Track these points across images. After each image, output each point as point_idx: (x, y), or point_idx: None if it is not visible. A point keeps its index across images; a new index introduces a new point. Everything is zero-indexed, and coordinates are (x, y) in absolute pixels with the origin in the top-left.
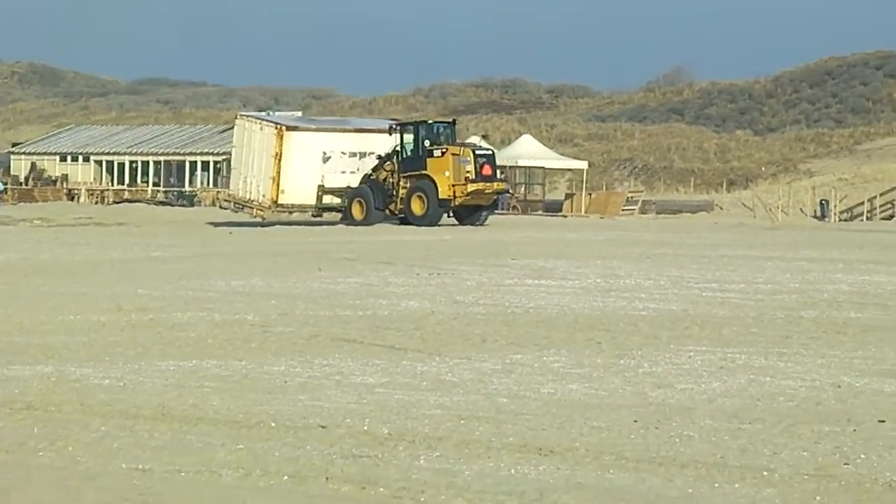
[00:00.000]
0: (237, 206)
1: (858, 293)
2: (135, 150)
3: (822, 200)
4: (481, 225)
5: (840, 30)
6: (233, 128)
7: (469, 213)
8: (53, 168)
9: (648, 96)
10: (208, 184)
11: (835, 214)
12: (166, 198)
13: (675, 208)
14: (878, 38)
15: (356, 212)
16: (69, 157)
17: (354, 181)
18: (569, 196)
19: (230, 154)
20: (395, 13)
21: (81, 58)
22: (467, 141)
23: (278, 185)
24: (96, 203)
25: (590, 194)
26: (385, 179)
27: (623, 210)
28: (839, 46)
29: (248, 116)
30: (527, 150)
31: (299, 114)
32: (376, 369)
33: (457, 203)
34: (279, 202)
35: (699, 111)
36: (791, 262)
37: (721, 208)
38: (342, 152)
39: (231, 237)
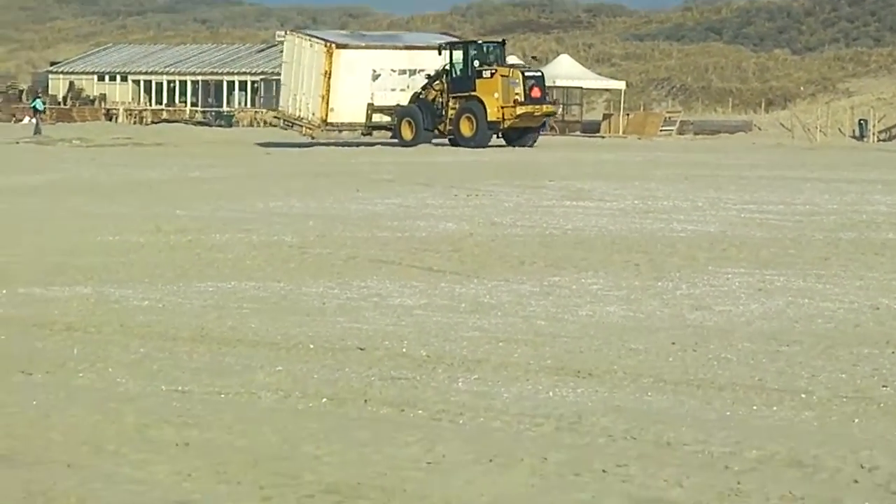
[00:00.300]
0: (287, 123)
1: None
2: (172, 70)
3: (860, 120)
4: (531, 146)
5: None
6: (271, 47)
7: (518, 135)
8: (91, 88)
9: (686, 15)
10: (246, 104)
11: (873, 134)
12: (204, 118)
13: (713, 129)
14: None
15: (406, 132)
16: (107, 77)
17: (404, 99)
18: (606, 116)
19: (267, 74)
20: None
21: None
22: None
23: (328, 103)
24: (134, 123)
25: (627, 114)
26: (434, 99)
27: (661, 130)
28: None
29: (298, 32)
30: (564, 70)
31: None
32: (414, 291)
33: (506, 125)
34: (328, 121)
35: (737, 30)
36: (829, 182)
37: (759, 128)
38: (392, 70)
39: (269, 158)
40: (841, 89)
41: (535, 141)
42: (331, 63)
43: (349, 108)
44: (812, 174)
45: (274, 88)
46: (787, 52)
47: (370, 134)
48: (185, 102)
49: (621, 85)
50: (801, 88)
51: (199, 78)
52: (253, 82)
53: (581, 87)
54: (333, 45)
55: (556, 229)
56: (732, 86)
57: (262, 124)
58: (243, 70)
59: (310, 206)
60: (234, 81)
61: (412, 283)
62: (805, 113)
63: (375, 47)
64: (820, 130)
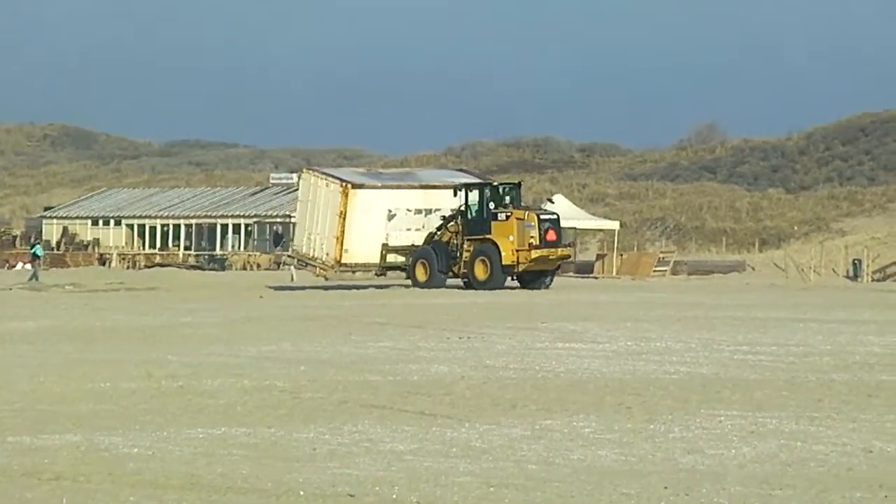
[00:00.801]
0: (300, 263)
1: (891, 355)
2: (166, 214)
3: (854, 260)
4: (546, 289)
5: (872, 86)
6: (265, 189)
7: (533, 278)
8: (85, 232)
9: (680, 154)
10: (239, 247)
11: (867, 274)
12: (197, 261)
13: (706, 269)
14: None
15: (420, 274)
16: (101, 221)
17: (419, 238)
18: (600, 257)
19: (261, 216)
20: (424, 72)
21: (113, 120)
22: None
23: (342, 244)
24: (128, 268)
25: (621, 255)
26: (449, 241)
27: (654, 271)
28: (872, 103)
29: (314, 171)
30: (559, 211)
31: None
32: (406, 436)
33: (520, 269)
34: (342, 262)
35: (731, 169)
36: (823, 323)
37: (753, 268)
38: (407, 209)
39: (262, 301)
40: (835, 228)
41: (550, 283)
42: (346, 203)
43: (363, 249)
44: (806, 315)
45: (267, 231)
46: (782, 191)
47: (384, 275)
48: (179, 246)
49: (615, 225)
50: (795, 228)
51: (193, 221)
52: (246, 225)
53: (575, 228)
54: (349, 185)
55: (549, 372)
56: (726, 225)
57: (255, 267)
58: (237, 213)
59: (302, 350)
60: (227, 224)
61: (403, 428)
62: (799, 252)
63: (392, 187)
64: (814, 270)
